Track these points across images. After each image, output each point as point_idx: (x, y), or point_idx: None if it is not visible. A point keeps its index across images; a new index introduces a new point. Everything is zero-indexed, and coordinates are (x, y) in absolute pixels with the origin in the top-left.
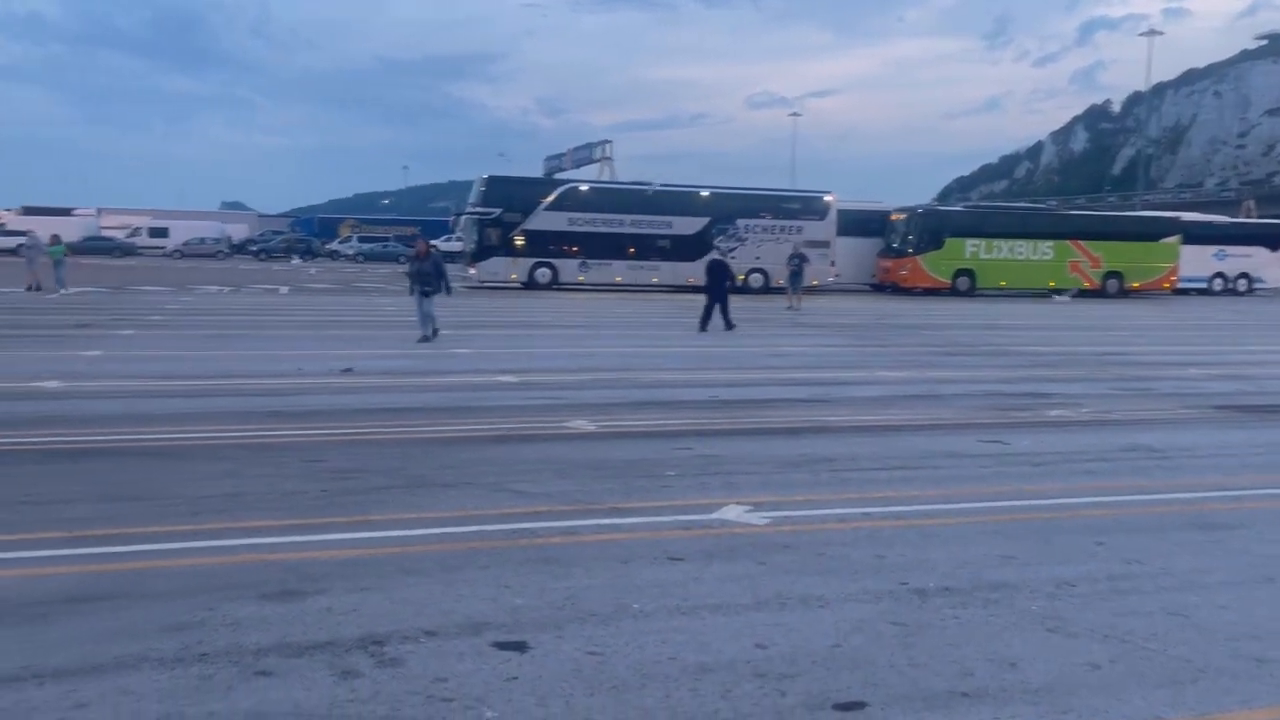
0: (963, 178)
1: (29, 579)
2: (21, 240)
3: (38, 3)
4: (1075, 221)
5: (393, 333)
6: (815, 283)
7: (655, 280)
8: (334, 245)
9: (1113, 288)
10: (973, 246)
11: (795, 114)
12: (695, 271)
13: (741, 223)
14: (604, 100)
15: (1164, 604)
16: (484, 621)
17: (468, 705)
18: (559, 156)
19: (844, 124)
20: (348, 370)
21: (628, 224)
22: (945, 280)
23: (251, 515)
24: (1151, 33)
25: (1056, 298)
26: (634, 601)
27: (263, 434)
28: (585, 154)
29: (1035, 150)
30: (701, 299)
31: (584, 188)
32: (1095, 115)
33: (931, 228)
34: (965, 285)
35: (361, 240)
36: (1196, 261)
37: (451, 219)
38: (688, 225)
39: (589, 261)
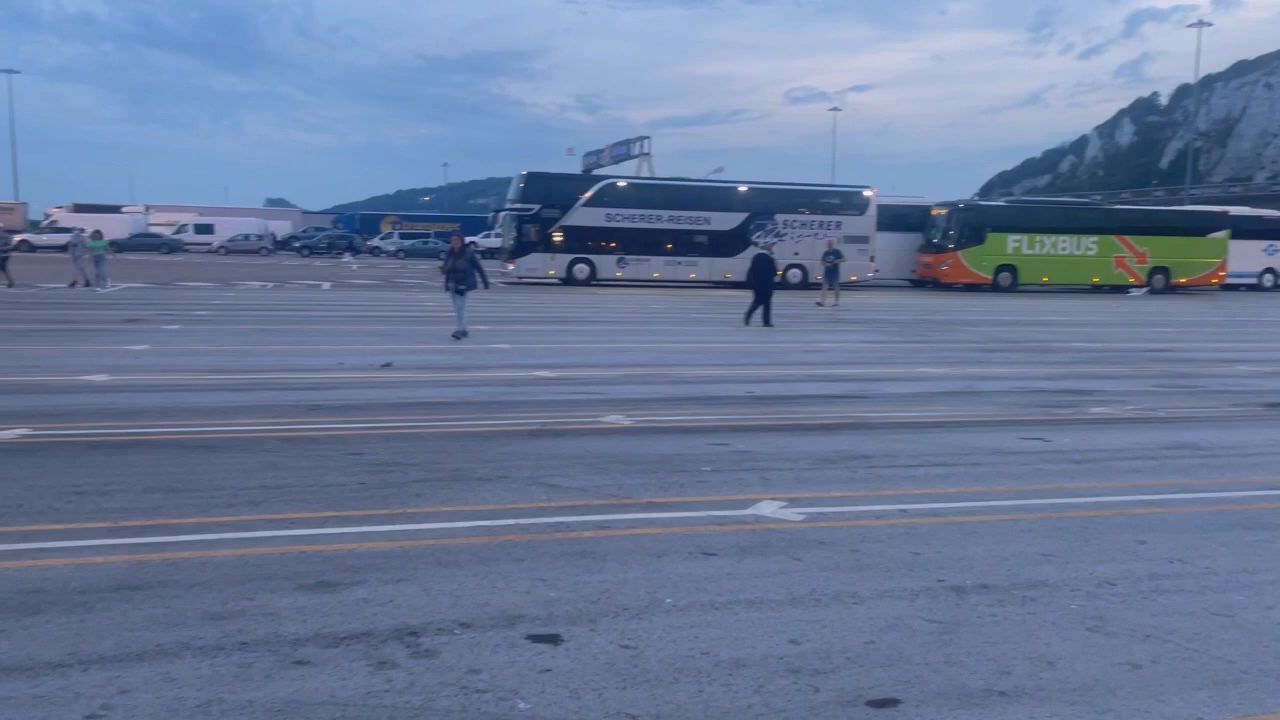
0: (1005, 172)
1: (74, 568)
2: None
3: (89, 3)
4: (1121, 216)
5: (432, 328)
6: (854, 278)
7: (693, 276)
8: (375, 241)
9: (1159, 283)
10: (1015, 242)
11: (835, 109)
12: (733, 267)
13: (780, 218)
14: (642, 96)
15: (1207, 604)
16: (518, 614)
17: (501, 697)
18: (597, 153)
19: (884, 118)
20: (387, 365)
21: (665, 220)
22: (986, 276)
23: (291, 507)
24: (1200, 24)
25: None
26: (667, 596)
27: (304, 427)
28: (623, 150)
29: (1080, 144)
30: (739, 294)
31: (622, 184)
32: (1142, 108)
33: (973, 222)
34: (1007, 281)
35: (403, 236)
36: (1246, 257)
37: (491, 215)
38: (726, 221)
39: (627, 257)
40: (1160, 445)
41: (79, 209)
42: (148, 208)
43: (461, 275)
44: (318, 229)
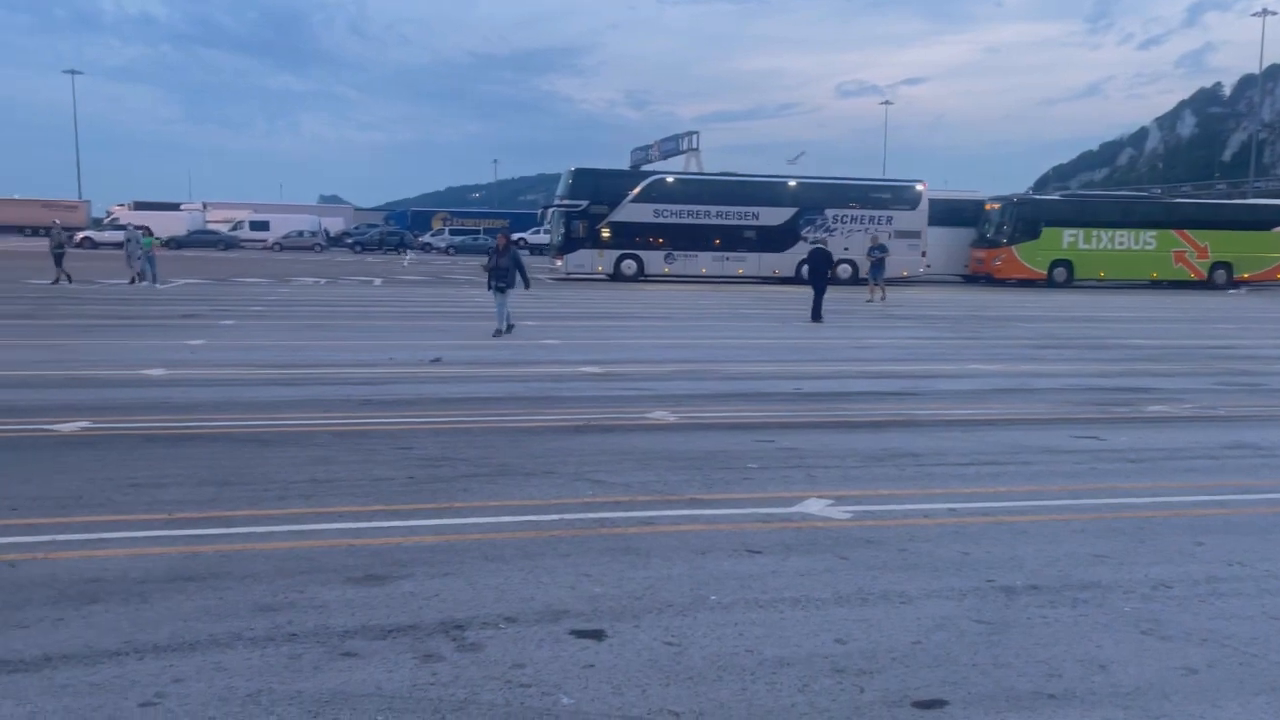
0: (1061, 166)
1: (131, 558)
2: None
3: (149, 4)
4: (1180, 210)
5: (481, 324)
6: (905, 273)
7: (741, 272)
8: (426, 238)
9: (1220, 279)
10: (1070, 236)
11: (886, 102)
12: (782, 263)
13: (830, 212)
14: (691, 92)
15: (1267, 608)
16: (563, 609)
17: (545, 692)
18: (646, 148)
19: (937, 112)
20: (437, 360)
21: (714, 215)
22: (1041, 271)
23: (341, 501)
24: (1265, 12)
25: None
26: (712, 593)
27: (354, 422)
28: (672, 145)
29: (1139, 136)
30: (788, 289)
31: (670, 179)
32: (1204, 99)
33: (1027, 217)
34: (1062, 276)
35: (453, 233)
36: None
37: (540, 211)
38: (775, 216)
39: (674, 253)
40: (1220, 444)
41: (139, 206)
42: (205, 205)
43: (504, 273)
44: (370, 225)
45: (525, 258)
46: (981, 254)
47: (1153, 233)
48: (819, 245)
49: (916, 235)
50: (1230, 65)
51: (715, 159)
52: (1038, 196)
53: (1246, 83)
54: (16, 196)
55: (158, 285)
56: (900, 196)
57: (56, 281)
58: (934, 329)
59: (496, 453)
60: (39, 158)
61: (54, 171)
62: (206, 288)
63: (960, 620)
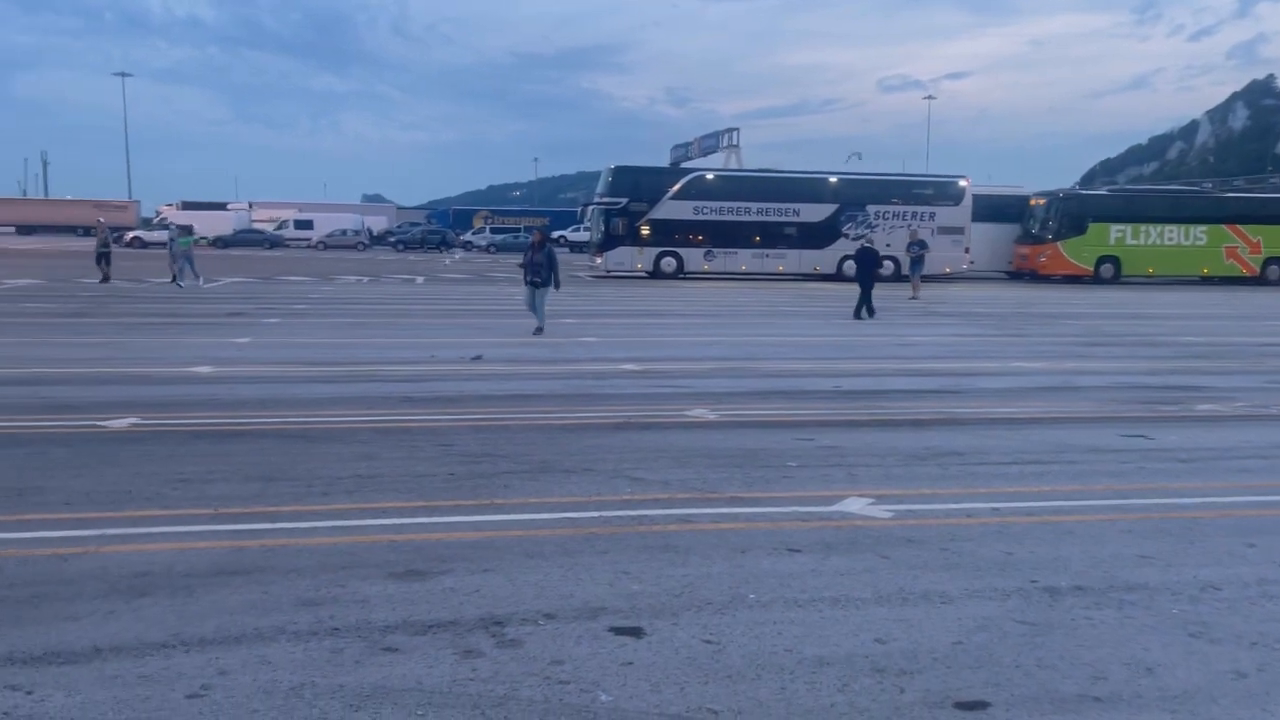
0: (1108, 160)
1: (178, 553)
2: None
3: (196, 6)
4: (1232, 205)
5: (520, 321)
6: (948, 270)
7: (781, 269)
8: (467, 236)
9: (1274, 275)
10: (1118, 232)
11: (929, 97)
12: (823, 260)
13: (872, 209)
14: (731, 88)
15: None
16: (601, 606)
17: (584, 689)
18: (686, 145)
19: (980, 106)
20: (478, 358)
21: (754, 212)
22: (1087, 267)
23: (383, 496)
24: None
25: None
26: (751, 592)
27: (397, 418)
28: (712, 142)
29: (1189, 130)
30: (829, 286)
31: (710, 176)
32: (1257, 91)
33: (1073, 212)
34: (1109, 273)
35: (494, 231)
36: None
37: (580, 209)
38: (815, 212)
39: (714, 250)
40: (1272, 444)
41: (186, 206)
42: (251, 205)
43: (539, 269)
44: (412, 224)
45: (564, 255)
46: (1026, 250)
47: (1203, 228)
48: (867, 243)
49: (960, 231)
50: None
51: (756, 155)
52: (1084, 191)
53: None
54: (69, 197)
55: (201, 283)
56: (943, 192)
57: (106, 280)
58: (977, 326)
59: (536, 450)
60: (91, 159)
61: (106, 173)
62: (252, 286)
63: (1003, 621)
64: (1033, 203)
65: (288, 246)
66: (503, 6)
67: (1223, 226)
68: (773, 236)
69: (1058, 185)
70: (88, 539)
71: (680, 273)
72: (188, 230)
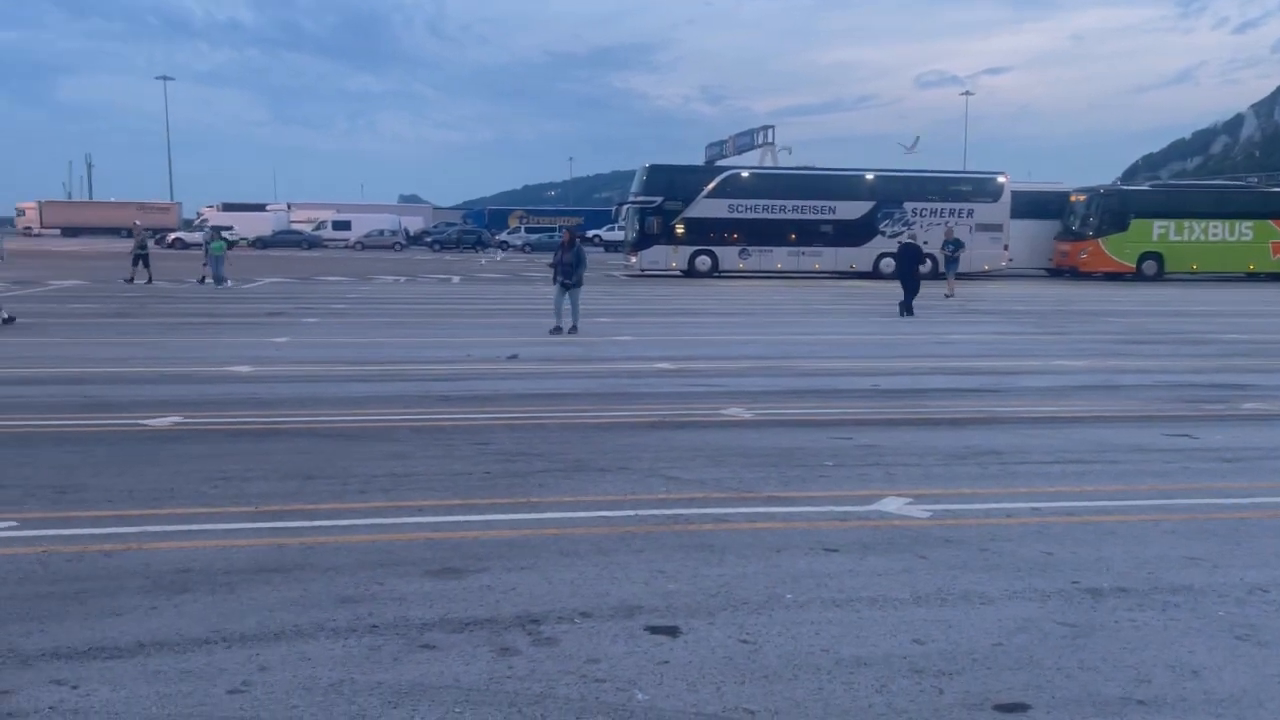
0: (1151, 155)
1: (219, 550)
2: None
3: (237, 10)
4: (1278, 200)
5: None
6: (987, 268)
7: (817, 267)
8: (503, 236)
9: None
10: (1161, 228)
11: (967, 93)
12: (859, 258)
13: (909, 206)
14: (766, 86)
15: None
16: (637, 605)
17: (620, 687)
18: (721, 144)
19: (1019, 102)
20: (513, 357)
21: (789, 210)
22: (1129, 264)
23: (420, 495)
24: None
25: None
26: (787, 591)
27: (433, 417)
28: (747, 140)
29: (1234, 124)
30: (866, 285)
31: (745, 174)
32: None
33: (1115, 208)
34: (1152, 269)
35: (529, 231)
36: None
37: (614, 208)
38: (852, 210)
39: (750, 249)
40: None
41: (227, 208)
42: (289, 205)
43: (569, 269)
44: (448, 224)
45: (599, 254)
46: (1066, 247)
47: (1249, 223)
48: (910, 239)
49: (998, 228)
50: None
51: (792, 153)
52: (1126, 187)
53: None
54: (113, 200)
55: (222, 284)
56: (981, 189)
57: (149, 281)
58: (1017, 324)
59: (571, 448)
60: (135, 162)
61: (148, 175)
62: (290, 286)
63: (1044, 622)
64: (1073, 199)
65: (326, 247)
66: (536, 5)
67: (1269, 222)
68: (808, 234)
69: (1099, 181)
70: (131, 536)
71: (715, 271)
72: (218, 233)
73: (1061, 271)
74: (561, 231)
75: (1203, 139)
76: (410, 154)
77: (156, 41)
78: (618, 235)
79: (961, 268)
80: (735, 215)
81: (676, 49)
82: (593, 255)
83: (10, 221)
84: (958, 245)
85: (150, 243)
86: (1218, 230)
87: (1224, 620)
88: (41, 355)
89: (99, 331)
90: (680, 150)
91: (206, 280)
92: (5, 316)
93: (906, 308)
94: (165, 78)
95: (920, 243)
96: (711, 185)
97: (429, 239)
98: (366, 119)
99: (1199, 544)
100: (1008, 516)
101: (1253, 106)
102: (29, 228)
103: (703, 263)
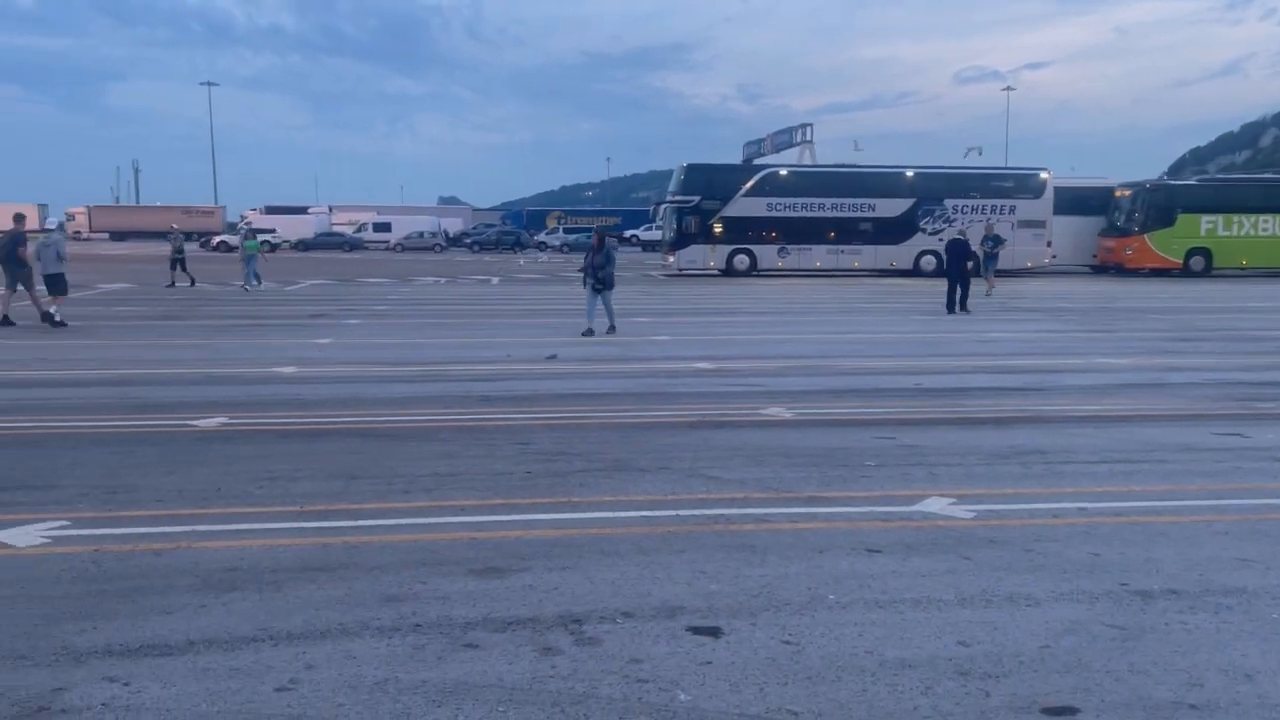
0: (1198, 149)
1: (265, 549)
2: (265, 237)
3: (279, 16)
4: None
5: (595, 321)
6: (1030, 265)
7: (857, 265)
8: (541, 237)
9: None
10: (1209, 223)
11: (1008, 88)
12: (899, 255)
13: (950, 203)
14: (804, 84)
15: None
16: (679, 605)
17: (662, 688)
18: (758, 142)
19: (1061, 97)
20: (552, 357)
21: (828, 208)
22: (1176, 260)
23: (462, 494)
24: None
25: None
26: (830, 592)
27: (475, 417)
28: (785, 138)
29: None
30: (906, 283)
31: (783, 172)
32: None
33: (1161, 203)
34: (1200, 265)
35: (566, 231)
36: None
37: (652, 208)
38: (892, 207)
39: (788, 247)
40: None
41: (269, 211)
42: (331, 208)
43: (600, 271)
44: (487, 225)
45: (637, 254)
46: (1111, 243)
47: None
48: (958, 237)
49: (1041, 225)
50: None
51: (830, 151)
52: (1172, 182)
53: None
54: (159, 204)
55: (248, 287)
56: (1023, 185)
57: (194, 284)
58: (1061, 321)
59: (611, 448)
60: (180, 166)
61: (193, 179)
62: (332, 288)
63: (1092, 625)
64: (1118, 194)
65: (367, 249)
66: (572, 7)
67: None
68: (848, 232)
69: (1144, 176)
70: (180, 535)
71: (753, 270)
72: (253, 234)
73: (1106, 268)
74: (592, 233)
75: (1251, 132)
76: (449, 156)
77: (200, 47)
78: (655, 235)
79: (1004, 265)
80: (774, 214)
81: (713, 48)
82: (630, 255)
83: (61, 226)
84: (997, 241)
85: (186, 246)
86: (1267, 225)
87: (1278, 623)
88: (91, 357)
89: (146, 334)
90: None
91: (248, 287)
92: (57, 319)
93: (960, 304)
94: (209, 83)
95: (939, 241)
96: (749, 184)
97: (468, 240)
98: (406, 122)
99: (1251, 545)
100: (1054, 517)
101: None
102: (78, 232)
103: (741, 262)
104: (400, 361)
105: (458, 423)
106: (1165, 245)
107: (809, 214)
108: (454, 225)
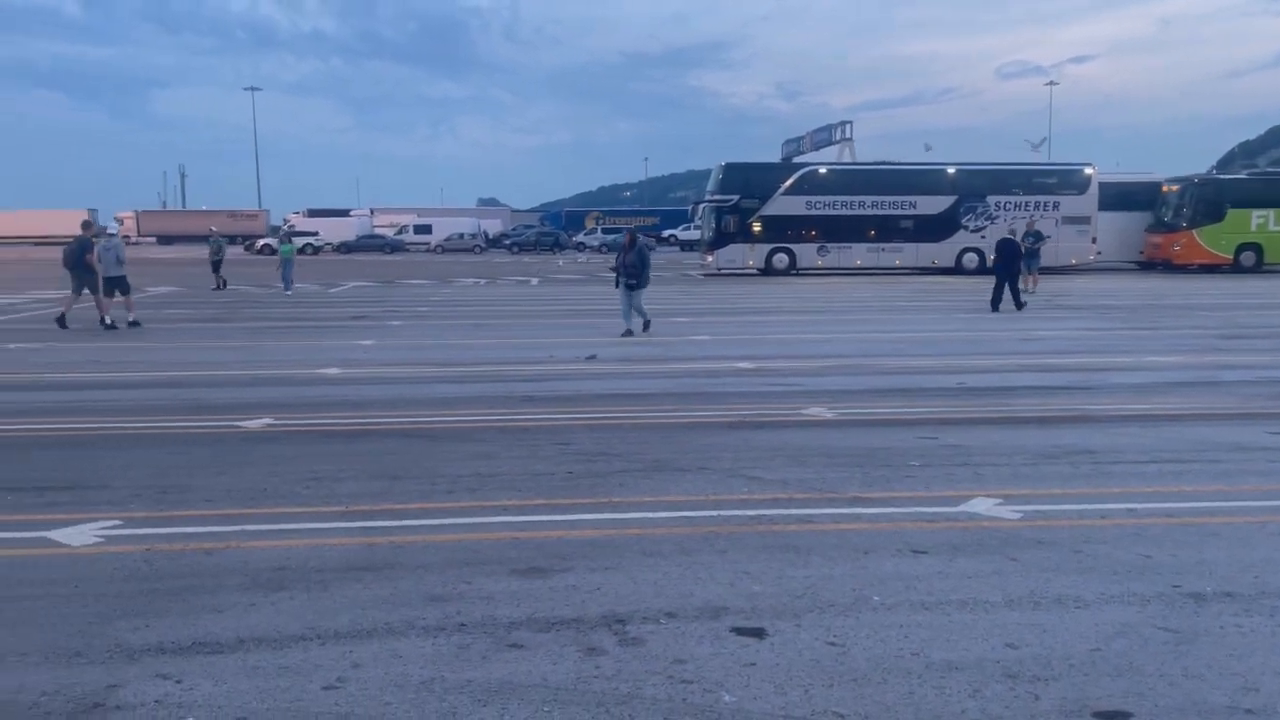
0: (1248, 142)
1: (312, 548)
2: (308, 240)
3: (320, 21)
4: None
5: (626, 323)
6: (1075, 261)
7: (898, 263)
8: (579, 237)
9: None
10: (1259, 217)
11: (1052, 82)
12: (941, 253)
13: (992, 200)
14: (843, 81)
15: None
16: (722, 606)
17: (707, 689)
18: (797, 140)
19: (1106, 90)
20: (592, 357)
21: (869, 205)
22: (1226, 255)
23: (505, 494)
24: None
25: None
26: (875, 594)
27: (516, 418)
28: (824, 136)
29: None
30: (948, 281)
31: (823, 170)
32: None
33: (1210, 198)
34: (1250, 261)
35: (605, 231)
36: None
37: (690, 207)
38: (933, 205)
39: (828, 245)
40: None
41: (312, 214)
42: (372, 211)
43: (633, 270)
44: (526, 226)
45: (675, 254)
46: (1158, 239)
47: None
48: (1008, 236)
49: (1085, 221)
50: None
51: (870, 148)
52: (1222, 176)
53: None
54: (204, 208)
55: (286, 291)
56: (1068, 181)
57: (224, 286)
58: (1107, 319)
59: (651, 448)
60: (225, 171)
61: (238, 183)
62: (374, 290)
63: (1143, 627)
64: (1165, 189)
65: (408, 250)
66: (609, 7)
67: None
68: (888, 230)
69: (1192, 170)
70: (229, 534)
71: (792, 269)
72: (289, 238)
73: (1153, 264)
74: (624, 233)
75: None
76: (488, 158)
77: (244, 53)
78: (693, 235)
79: (1048, 262)
80: (813, 212)
81: (751, 46)
82: (669, 255)
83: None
84: (1038, 238)
85: (226, 249)
86: None
87: None
88: (142, 359)
89: (194, 336)
90: (756, 148)
91: (288, 290)
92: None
93: (1015, 302)
94: (253, 88)
95: (999, 236)
96: (789, 182)
97: (507, 241)
98: (446, 124)
99: None
100: (1102, 518)
101: None
102: (126, 236)
103: (780, 260)
104: (442, 362)
105: (499, 423)
106: (1214, 241)
107: (849, 212)
108: (493, 227)
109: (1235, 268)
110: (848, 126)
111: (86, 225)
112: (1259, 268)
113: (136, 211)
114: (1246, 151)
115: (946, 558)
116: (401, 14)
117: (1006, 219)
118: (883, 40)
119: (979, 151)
